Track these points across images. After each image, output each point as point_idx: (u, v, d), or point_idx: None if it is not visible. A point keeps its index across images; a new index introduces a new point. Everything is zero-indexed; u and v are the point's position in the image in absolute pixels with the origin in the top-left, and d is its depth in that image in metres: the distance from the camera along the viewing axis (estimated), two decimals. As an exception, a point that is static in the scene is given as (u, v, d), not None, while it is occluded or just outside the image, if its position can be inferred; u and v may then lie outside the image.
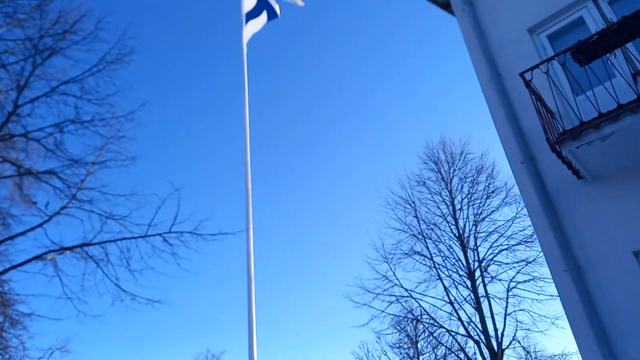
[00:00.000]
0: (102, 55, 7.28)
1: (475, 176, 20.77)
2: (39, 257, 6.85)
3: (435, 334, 19.49)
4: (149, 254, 7.22)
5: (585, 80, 5.64)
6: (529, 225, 18.71)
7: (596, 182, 5.38)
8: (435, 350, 30.85)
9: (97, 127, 7.27)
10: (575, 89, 5.97)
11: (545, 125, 5.11)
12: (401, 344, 32.78)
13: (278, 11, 13.36)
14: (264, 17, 13.08)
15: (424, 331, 32.23)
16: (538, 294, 17.92)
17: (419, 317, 20.12)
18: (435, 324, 18.86)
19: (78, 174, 7.47)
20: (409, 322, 29.69)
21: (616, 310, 4.81)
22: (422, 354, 31.03)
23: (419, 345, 32.38)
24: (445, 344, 19.47)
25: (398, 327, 31.11)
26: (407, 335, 32.39)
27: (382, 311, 20.69)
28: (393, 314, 21.44)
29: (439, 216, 20.99)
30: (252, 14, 13.33)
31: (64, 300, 7.03)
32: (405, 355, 31.08)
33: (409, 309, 20.79)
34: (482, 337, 17.72)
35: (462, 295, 19.06)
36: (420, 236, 20.65)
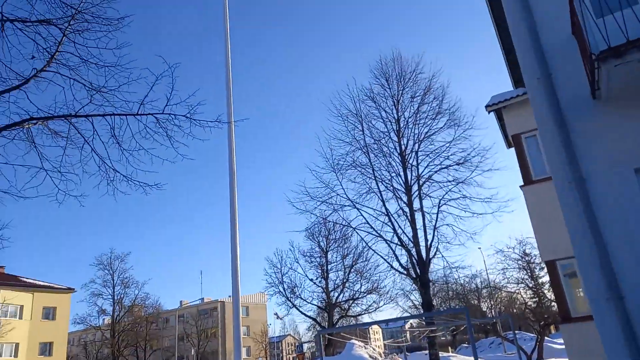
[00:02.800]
0: None
1: (423, 96, 21.37)
2: (18, 124, 6.07)
3: (369, 243, 20.81)
4: (141, 134, 6.68)
5: (605, 4, 5.85)
6: (467, 149, 20.06)
7: (609, 103, 5.78)
8: (344, 260, 33.16)
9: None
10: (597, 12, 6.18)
11: (585, 41, 5.29)
12: (312, 253, 34.77)
13: None
14: None
15: (335, 241, 34.30)
16: (464, 210, 19.71)
17: (355, 226, 21.22)
18: (374, 232, 20.08)
19: (54, 33, 6.49)
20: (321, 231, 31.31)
21: (613, 221, 5.43)
22: (331, 263, 33.23)
23: (328, 255, 34.69)
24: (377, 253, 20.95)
25: (310, 237, 32.75)
26: (319, 245, 34.42)
27: (324, 219, 21.55)
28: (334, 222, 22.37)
29: (384, 132, 21.64)
30: None
31: (42, 175, 6.40)
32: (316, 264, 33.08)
33: (345, 218, 21.83)
34: (413, 245, 19.30)
35: (399, 207, 20.30)
36: (364, 149, 21.29)
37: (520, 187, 11.54)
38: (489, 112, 12.97)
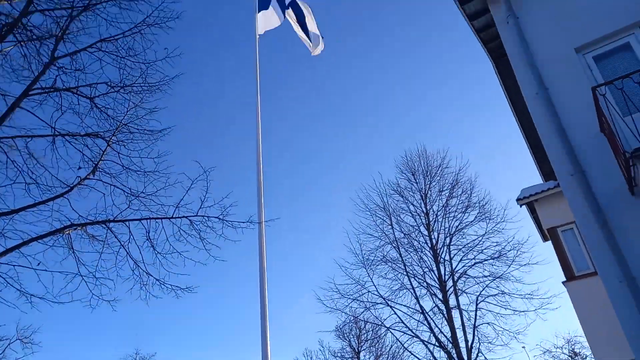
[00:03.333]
0: (143, 17, 6.74)
1: (450, 190, 21.35)
2: (59, 231, 6.28)
3: (405, 344, 19.65)
4: (175, 237, 6.80)
5: (632, 104, 5.95)
6: (501, 242, 19.52)
7: (649, 199, 5.62)
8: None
9: (130, 94, 6.75)
10: (624, 110, 6.26)
11: (616, 139, 5.29)
12: (343, 354, 32.93)
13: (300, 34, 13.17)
14: (275, 16, 12.86)
15: (367, 341, 32.52)
16: (504, 308, 18.65)
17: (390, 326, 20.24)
18: (408, 332, 19.07)
19: (99, 144, 6.94)
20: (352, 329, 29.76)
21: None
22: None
23: (360, 355, 32.75)
24: (412, 354, 19.69)
25: (341, 336, 31.20)
26: (350, 345, 32.67)
27: (355, 317, 20.71)
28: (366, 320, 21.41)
29: (413, 226, 21.40)
30: (263, 5, 13.08)
31: (78, 280, 6.47)
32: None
33: (378, 316, 20.92)
34: (452, 347, 18.13)
35: (434, 305, 19.44)
36: (394, 244, 20.95)
37: (563, 283, 10.97)
38: (520, 206, 12.77)
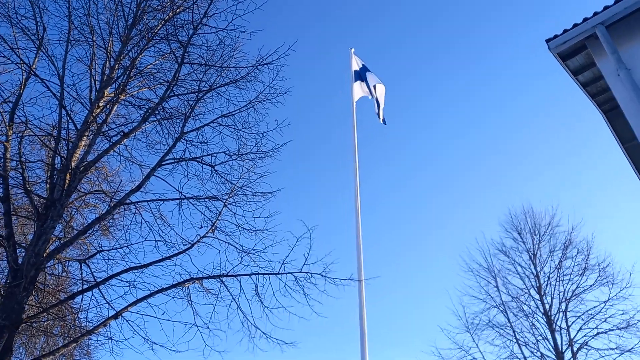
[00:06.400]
0: (257, 94, 7.62)
1: (563, 250, 19.71)
2: (181, 284, 6.95)
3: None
4: (281, 292, 7.15)
5: None
6: (628, 310, 17.36)
7: None
8: None
9: (245, 161, 7.53)
10: None
11: None
12: None
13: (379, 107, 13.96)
14: (366, 88, 13.72)
15: None
16: (636, 387, 16.25)
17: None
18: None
19: (217, 205, 7.69)
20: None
21: None
22: None
23: None
24: None
25: None
26: None
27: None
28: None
29: (522, 289, 19.89)
30: (359, 76, 13.94)
31: (194, 330, 7.01)
32: None
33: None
34: None
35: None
36: (501, 307, 19.55)
37: None
38: (649, 269, 11.44)
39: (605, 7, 6.99)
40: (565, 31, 7.37)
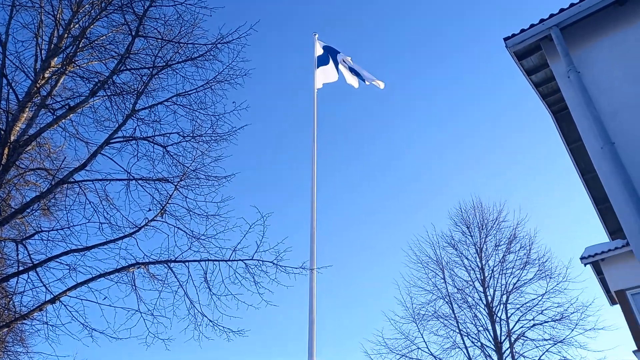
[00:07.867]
0: (215, 74, 7.34)
1: (508, 245, 20.52)
2: (125, 269, 6.65)
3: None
4: (231, 279, 6.98)
5: None
6: (563, 303, 18.33)
7: None
8: None
9: (199, 143, 7.25)
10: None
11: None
12: None
13: (354, 83, 13.79)
14: (334, 71, 13.53)
15: None
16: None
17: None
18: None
19: (168, 188, 7.40)
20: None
21: None
22: None
23: None
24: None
25: None
26: None
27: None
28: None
29: (467, 281, 20.58)
30: (322, 60, 13.76)
31: (137, 317, 6.74)
32: None
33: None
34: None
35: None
36: (447, 299, 20.17)
37: (634, 352, 10.12)
38: (585, 265, 12.09)
39: (561, 10, 7.19)
40: (522, 31, 7.54)
